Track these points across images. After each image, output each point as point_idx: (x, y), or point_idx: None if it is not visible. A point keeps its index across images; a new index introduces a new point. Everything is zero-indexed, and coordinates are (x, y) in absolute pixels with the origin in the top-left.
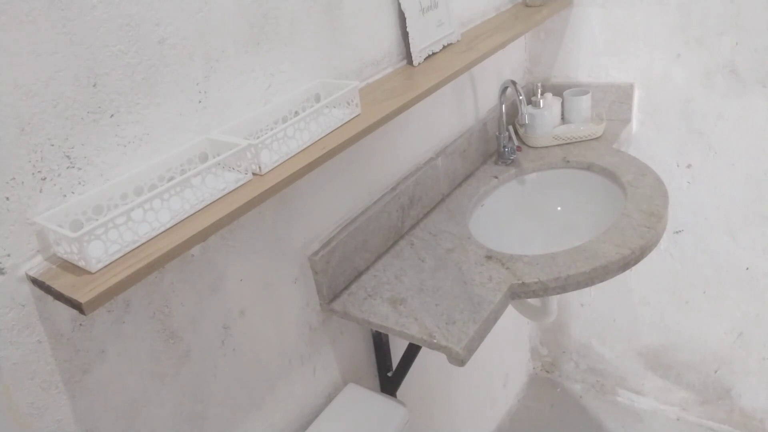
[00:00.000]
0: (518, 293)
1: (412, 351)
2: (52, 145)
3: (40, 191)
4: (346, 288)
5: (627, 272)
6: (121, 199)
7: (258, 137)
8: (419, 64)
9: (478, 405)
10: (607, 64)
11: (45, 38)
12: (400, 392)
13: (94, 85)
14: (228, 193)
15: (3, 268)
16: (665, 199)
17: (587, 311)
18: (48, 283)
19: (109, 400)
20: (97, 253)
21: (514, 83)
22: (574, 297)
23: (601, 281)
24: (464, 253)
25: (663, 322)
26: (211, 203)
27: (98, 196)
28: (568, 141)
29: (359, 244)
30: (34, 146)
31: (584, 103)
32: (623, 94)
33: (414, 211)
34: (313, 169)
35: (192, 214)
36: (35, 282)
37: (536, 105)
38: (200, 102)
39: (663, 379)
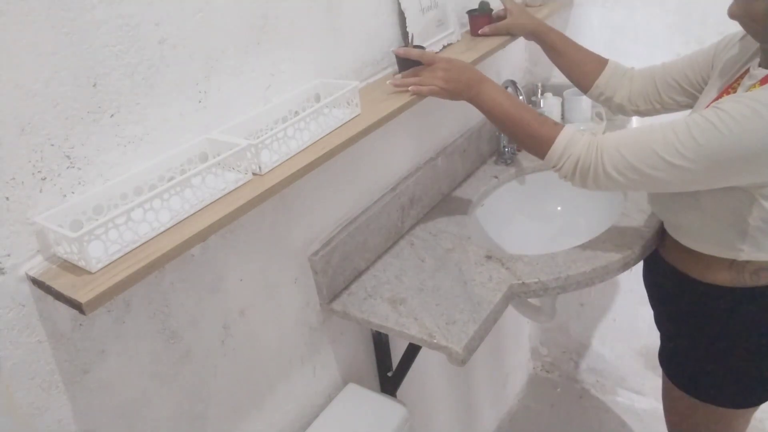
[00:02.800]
0: (518, 293)
1: (412, 351)
2: (52, 145)
3: (40, 191)
4: (346, 288)
5: (627, 272)
6: (121, 199)
7: (258, 137)
8: None
9: (478, 405)
10: None
11: (45, 38)
12: (400, 392)
13: (94, 85)
14: (228, 193)
15: (3, 268)
16: None
17: (587, 311)
18: (48, 283)
19: (109, 400)
20: (97, 253)
21: (514, 83)
22: (574, 297)
23: (601, 281)
24: (464, 253)
25: None
26: (211, 203)
27: (98, 196)
28: None
29: (359, 244)
30: (34, 146)
31: (584, 102)
32: None
33: (414, 211)
34: (313, 169)
35: (192, 214)
36: (35, 282)
37: (536, 105)
38: (200, 102)
39: None
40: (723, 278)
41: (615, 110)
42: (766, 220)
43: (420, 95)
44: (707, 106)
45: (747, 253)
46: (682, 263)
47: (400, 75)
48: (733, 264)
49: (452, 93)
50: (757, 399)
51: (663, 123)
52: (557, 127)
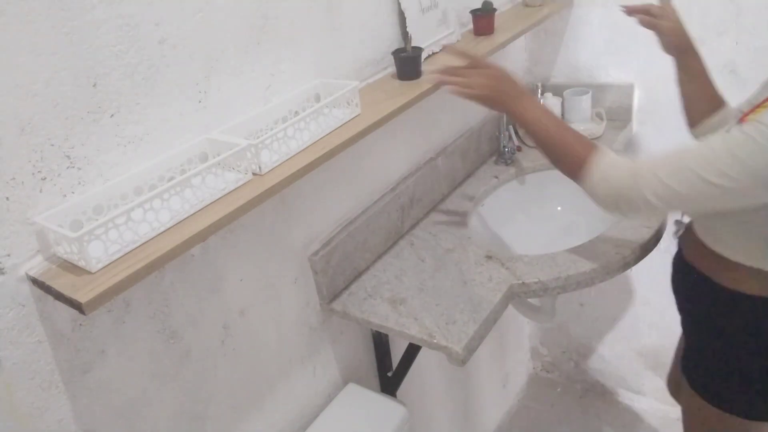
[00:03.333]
0: (518, 293)
1: (412, 351)
2: (52, 145)
3: (40, 191)
4: (346, 288)
5: (627, 272)
6: (121, 199)
7: (258, 137)
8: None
9: (478, 405)
10: (607, 64)
11: (45, 38)
12: (400, 392)
13: (94, 85)
14: (228, 193)
15: (3, 268)
16: None
17: (587, 311)
18: (48, 283)
19: (109, 400)
20: (97, 253)
21: None
22: (574, 297)
23: (601, 281)
24: (464, 253)
25: (663, 322)
26: (211, 203)
27: (98, 196)
28: None
29: (359, 244)
30: (34, 146)
31: (584, 103)
32: (623, 94)
33: (414, 211)
34: (313, 169)
35: (192, 214)
36: (35, 282)
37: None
38: (200, 102)
39: (663, 379)
40: (750, 287)
41: None
42: None
43: (459, 95)
44: (742, 120)
45: None
46: (709, 268)
47: (442, 69)
48: (760, 273)
49: (493, 101)
50: None
51: (698, 143)
52: (595, 148)
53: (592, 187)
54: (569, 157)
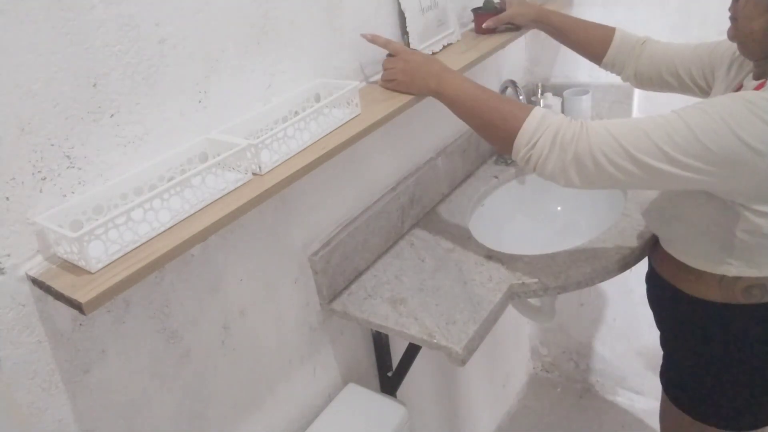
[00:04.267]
0: (518, 293)
1: (412, 351)
2: (52, 145)
3: (40, 191)
4: (346, 288)
5: (627, 272)
6: (121, 199)
7: (258, 137)
8: None
9: (477, 405)
10: None
11: (45, 38)
12: (400, 392)
13: (94, 85)
14: (228, 193)
15: (3, 268)
16: None
17: (587, 311)
18: (48, 283)
19: (109, 400)
20: (97, 253)
21: (514, 83)
22: (574, 297)
23: (601, 281)
24: (464, 253)
25: None
26: (211, 203)
27: (98, 196)
28: None
29: (359, 244)
30: (34, 146)
31: (584, 103)
32: (623, 94)
33: (414, 211)
34: (313, 169)
35: (192, 214)
36: (35, 282)
37: (536, 105)
38: (200, 102)
39: None
40: (714, 294)
41: (630, 83)
42: (751, 233)
43: (383, 87)
44: None
45: (736, 268)
46: (675, 278)
47: None
48: (723, 280)
49: (411, 86)
50: (754, 422)
51: (656, 115)
52: (529, 106)
53: (530, 139)
54: (503, 118)
